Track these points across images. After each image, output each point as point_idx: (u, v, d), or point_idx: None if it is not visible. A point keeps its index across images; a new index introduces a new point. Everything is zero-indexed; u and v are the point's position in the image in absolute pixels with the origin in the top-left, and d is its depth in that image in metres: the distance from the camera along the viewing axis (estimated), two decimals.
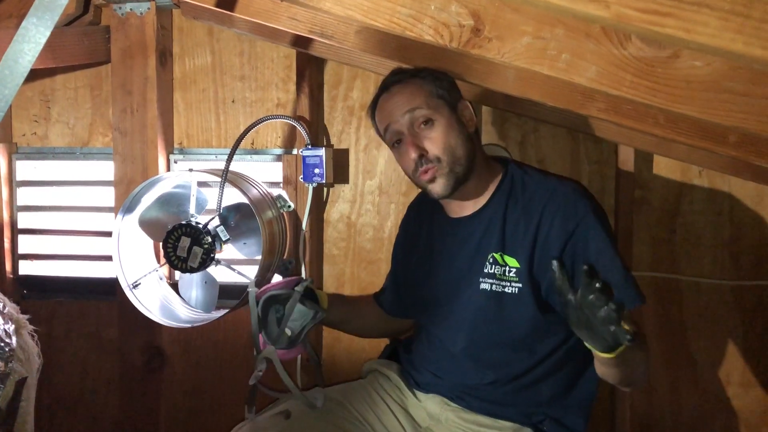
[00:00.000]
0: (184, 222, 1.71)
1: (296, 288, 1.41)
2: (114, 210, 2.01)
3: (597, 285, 1.00)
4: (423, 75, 1.38)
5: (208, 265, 1.70)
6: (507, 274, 1.33)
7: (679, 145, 1.59)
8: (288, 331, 1.38)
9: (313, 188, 1.91)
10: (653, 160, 1.82)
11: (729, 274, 1.80)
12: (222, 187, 1.69)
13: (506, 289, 1.33)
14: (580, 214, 1.28)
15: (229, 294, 1.88)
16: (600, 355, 1.11)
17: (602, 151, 1.85)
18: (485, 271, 1.35)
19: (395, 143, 1.39)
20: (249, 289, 1.42)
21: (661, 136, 1.38)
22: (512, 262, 1.33)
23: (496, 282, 1.34)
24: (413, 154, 1.33)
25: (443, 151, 1.32)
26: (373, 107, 1.45)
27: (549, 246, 1.29)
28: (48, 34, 1.13)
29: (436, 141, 1.33)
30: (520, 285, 1.31)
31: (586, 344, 1.11)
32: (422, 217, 1.56)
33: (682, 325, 1.84)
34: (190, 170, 1.76)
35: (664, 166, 1.82)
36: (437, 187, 1.35)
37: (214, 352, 2.05)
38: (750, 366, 1.81)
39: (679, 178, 1.81)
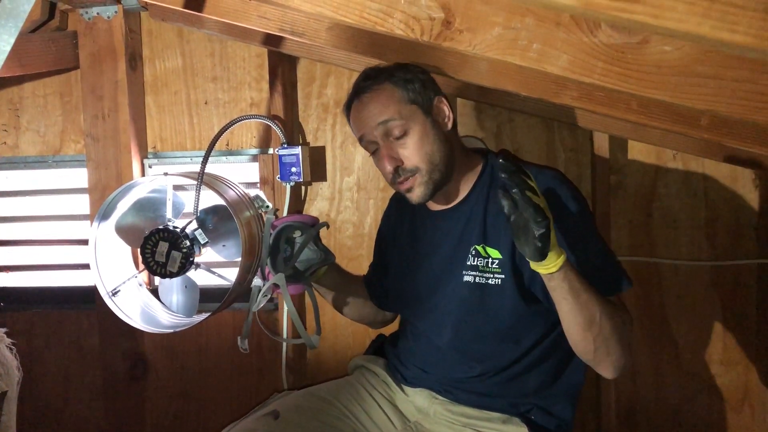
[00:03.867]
0: (161, 227, 1.68)
1: (312, 227, 1.42)
2: (89, 217, 1.98)
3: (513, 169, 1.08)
4: (394, 79, 1.34)
5: (187, 270, 1.68)
6: (489, 265, 1.33)
7: (652, 130, 1.60)
8: (296, 267, 1.39)
9: (291, 187, 1.90)
10: (628, 145, 1.84)
11: (706, 255, 1.83)
12: (198, 190, 1.67)
13: (489, 281, 1.33)
14: (561, 202, 1.29)
15: (210, 297, 1.87)
16: (541, 272, 1.15)
17: (577, 138, 1.86)
18: (468, 263, 1.35)
19: (372, 152, 1.38)
20: (266, 216, 1.44)
21: (634, 122, 1.39)
22: (494, 253, 1.33)
23: (479, 274, 1.34)
24: (389, 167, 1.32)
25: (420, 160, 1.31)
26: (348, 109, 1.42)
27: None
28: (12, 41, 1.11)
29: (411, 151, 1.31)
30: (503, 276, 1.32)
31: (528, 260, 1.14)
32: (403, 210, 1.56)
33: (662, 307, 1.86)
34: (165, 174, 1.73)
35: (638, 151, 1.84)
36: (415, 196, 1.35)
37: (198, 356, 2.04)
38: (730, 344, 1.84)
39: (654, 162, 1.83)
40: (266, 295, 1.41)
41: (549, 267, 1.13)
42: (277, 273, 1.39)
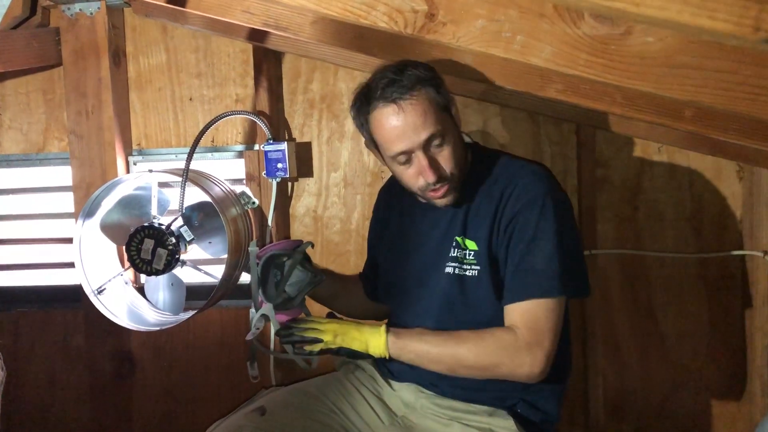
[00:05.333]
0: (146, 224, 1.67)
1: (297, 250, 1.43)
2: (74, 216, 1.97)
3: None
4: (427, 83, 1.27)
5: (173, 267, 1.67)
6: (467, 257, 1.34)
7: (638, 123, 1.61)
8: (286, 292, 1.40)
9: (277, 183, 1.90)
10: (613, 139, 1.84)
11: (692, 248, 1.84)
12: (183, 187, 1.66)
13: (467, 273, 1.34)
14: (530, 196, 1.28)
15: (197, 295, 1.86)
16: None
17: (563, 132, 1.86)
18: (450, 255, 1.36)
19: (404, 162, 1.30)
20: (250, 249, 1.44)
21: (619, 115, 1.39)
22: (471, 245, 1.34)
23: (458, 266, 1.34)
24: (432, 178, 1.28)
25: (455, 167, 1.30)
26: (366, 111, 1.30)
27: (501, 226, 1.31)
28: None
29: (449, 159, 1.29)
30: (479, 268, 1.32)
31: None
32: (392, 202, 1.56)
33: (648, 300, 1.87)
34: (150, 171, 1.72)
35: (624, 145, 1.84)
36: (446, 201, 1.34)
37: (185, 354, 2.03)
38: (716, 336, 1.85)
39: (639, 156, 1.84)
40: (258, 328, 1.43)
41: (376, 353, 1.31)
42: (270, 301, 1.41)
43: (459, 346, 1.28)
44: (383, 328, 1.31)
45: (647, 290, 1.87)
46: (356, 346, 1.31)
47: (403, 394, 1.44)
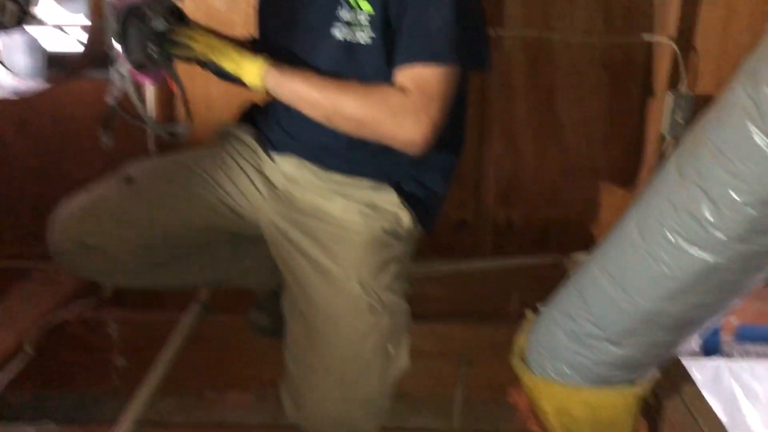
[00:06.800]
0: None
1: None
2: None
3: None
4: None
5: (25, 22, 1.46)
6: (360, 21, 1.19)
7: None
8: (148, 49, 1.22)
9: None
10: None
11: (600, 32, 1.76)
12: None
13: (360, 40, 1.20)
14: None
15: (64, 65, 1.67)
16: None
17: None
18: (338, 14, 1.20)
19: None
20: None
21: None
22: (366, 6, 1.18)
23: (348, 30, 1.20)
24: None
25: None
26: None
27: None
28: None
29: None
30: (374, 35, 1.19)
31: None
32: None
33: (550, 86, 1.81)
34: None
35: None
36: None
37: (56, 130, 1.84)
38: (612, 124, 1.84)
39: None
40: (117, 87, 1.26)
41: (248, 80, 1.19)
42: (131, 59, 1.21)
43: (342, 94, 1.18)
44: (264, 58, 1.19)
45: (550, 76, 1.80)
46: (228, 65, 1.18)
47: (284, 167, 1.36)
